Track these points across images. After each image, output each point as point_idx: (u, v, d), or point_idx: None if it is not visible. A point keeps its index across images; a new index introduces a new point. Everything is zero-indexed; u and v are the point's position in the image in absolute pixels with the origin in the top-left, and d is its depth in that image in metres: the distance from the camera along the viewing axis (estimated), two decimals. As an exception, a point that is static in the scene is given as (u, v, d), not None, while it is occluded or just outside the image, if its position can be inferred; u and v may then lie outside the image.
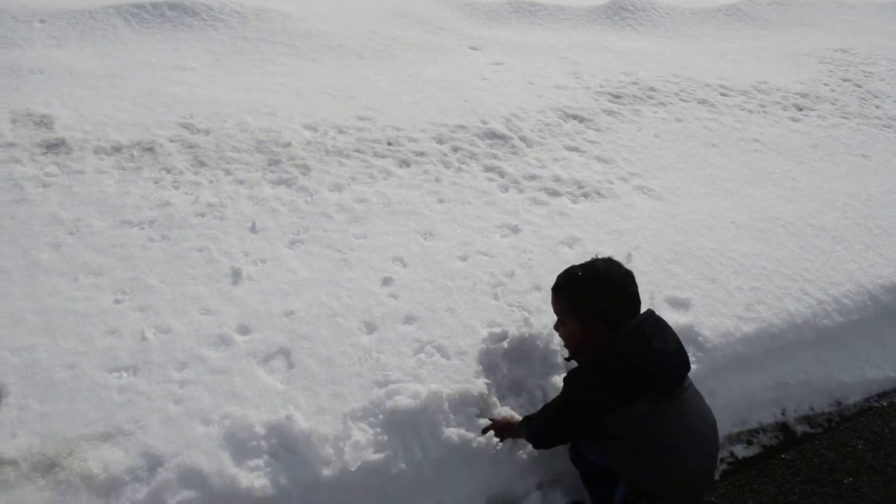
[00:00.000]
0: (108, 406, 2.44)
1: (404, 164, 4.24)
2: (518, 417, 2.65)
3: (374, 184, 3.98)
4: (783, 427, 3.31)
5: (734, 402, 3.22)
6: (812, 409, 3.43)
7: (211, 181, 3.82)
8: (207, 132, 4.31)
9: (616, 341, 2.18)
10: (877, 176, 5.03)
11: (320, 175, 3.98)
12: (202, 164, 3.96)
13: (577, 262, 2.98)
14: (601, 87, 5.93)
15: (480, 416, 2.65)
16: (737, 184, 4.61)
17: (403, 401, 2.54)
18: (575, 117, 5.24)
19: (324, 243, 3.41)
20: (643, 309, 2.33)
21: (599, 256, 2.45)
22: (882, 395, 3.59)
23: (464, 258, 3.44)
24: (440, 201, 3.91)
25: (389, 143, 4.43)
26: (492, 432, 2.57)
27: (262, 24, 6.33)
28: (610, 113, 5.43)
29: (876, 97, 6.65)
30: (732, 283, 3.54)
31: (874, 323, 3.69)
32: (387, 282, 3.18)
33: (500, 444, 2.57)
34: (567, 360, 2.52)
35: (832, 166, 5.09)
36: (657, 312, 2.32)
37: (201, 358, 2.63)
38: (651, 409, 2.14)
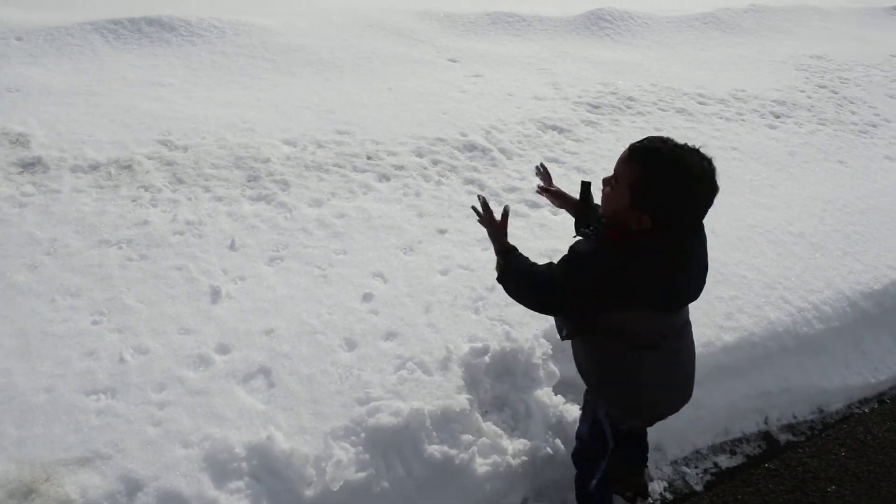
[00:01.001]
0: (86, 430, 2.41)
1: (384, 178, 4.24)
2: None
3: (353, 199, 3.98)
4: (766, 436, 3.33)
5: (717, 412, 3.24)
6: (794, 416, 3.45)
7: (189, 198, 3.80)
8: (186, 149, 4.29)
9: (651, 245, 1.87)
10: (854, 182, 5.09)
11: (299, 190, 3.97)
12: (180, 181, 3.94)
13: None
14: (580, 97, 5.97)
15: (463, 432, 2.65)
16: (714, 192, 4.64)
17: (385, 419, 2.53)
18: (554, 128, 5.27)
19: (303, 260, 3.40)
20: None
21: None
22: (863, 402, 3.62)
23: (444, 272, 3.44)
24: (420, 215, 3.91)
25: (369, 158, 4.43)
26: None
27: (240, 38, 6.32)
28: (589, 123, 5.47)
29: (852, 103, 6.74)
30: (712, 292, 3.56)
31: (854, 329, 3.73)
32: (367, 298, 3.17)
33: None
34: (584, 230, 2.23)
35: (809, 173, 5.15)
36: None
37: (180, 379, 2.61)
38: (645, 319, 1.98)
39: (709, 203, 1.90)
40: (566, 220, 4.04)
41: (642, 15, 8.76)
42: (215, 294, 3.08)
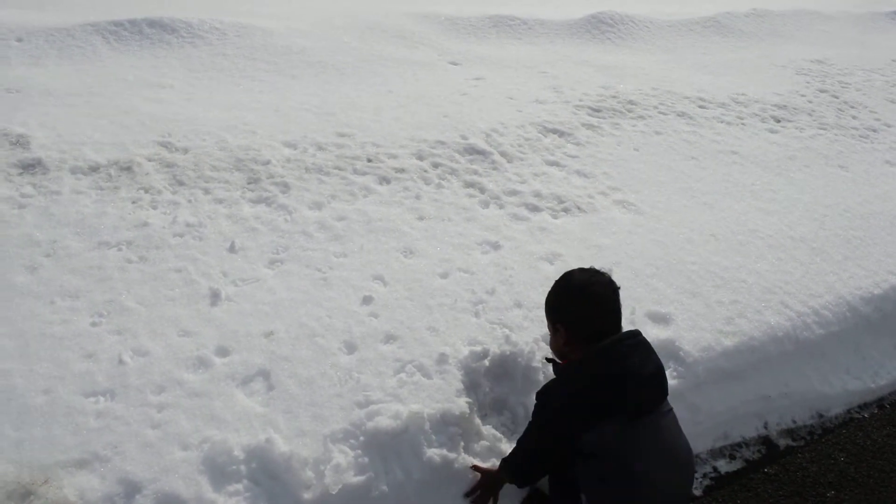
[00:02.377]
0: (85, 432, 2.41)
1: (384, 180, 4.24)
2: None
3: (354, 201, 3.98)
4: (766, 440, 3.32)
5: (716, 416, 3.24)
6: (794, 421, 3.45)
7: (189, 200, 3.80)
8: (186, 151, 4.29)
9: (590, 357, 2.16)
10: (854, 186, 5.09)
11: (300, 193, 3.97)
12: (181, 183, 3.94)
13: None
14: (580, 100, 5.97)
15: (463, 435, 2.64)
16: (716, 196, 4.65)
17: (384, 422, 2.52)
18: (555, 132, 5.27)
19: (303, 262, 3.40)
20: (629, 327, 2.29)
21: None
22: (863, 407, 3.62)
23: (444, 275, 3.44)
24: (420, 218, 3.91)
25: (369, 160, 4.43)
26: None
27: (241, 40, 6.33)
28: (589, 127, 5.47)
29: (852, 108, 6.74)
30: (713, 296, 3.56)
31: (854, 334, 3.72)
32: (367, 301, 3.17)
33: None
34: (547, 360, 2.48)
35: (810, 177, 5.15)
36: (640, 328, 2.31)
37: (179, 381, 2.61)
38: (619, 432, 2.11)
39: (606, 307, 2.21)
40: (566, 224, 4.05)
41: (643, 19, 8.77)
42: (215, 296, 3.08)
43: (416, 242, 3.68)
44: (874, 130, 6.26)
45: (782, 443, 3.32)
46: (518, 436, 2.78)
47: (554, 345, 2.35)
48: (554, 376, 2.36)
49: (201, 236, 3.50)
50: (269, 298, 3.11)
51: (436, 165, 4.49)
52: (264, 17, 6.99)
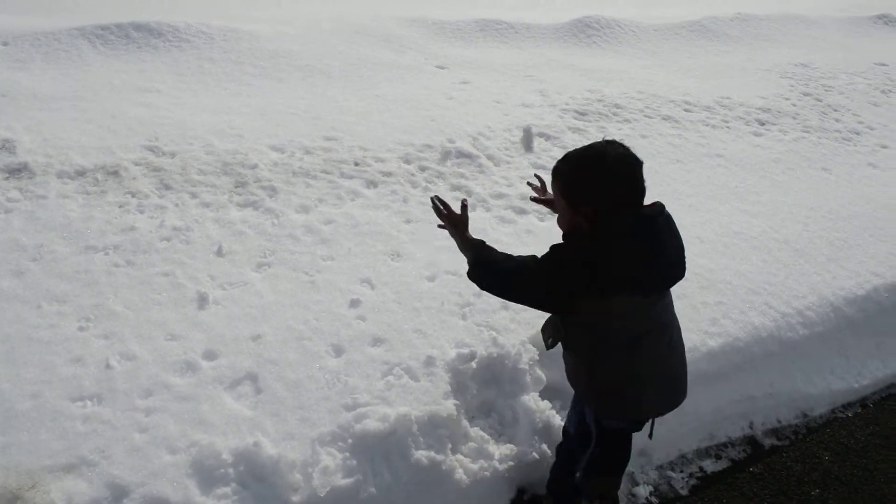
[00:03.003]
0: (72, 436, 2.41)
1: (372, 184, 4.25)
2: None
3: (341, 205, 3.99)
4: (751, 440, 3.36)
5: (702, 417, 3.27)
6: (779, 421, 3.48)
7: (177, 205, 3.80)
8: (173, 155, 4.29)
9: (604, 233, 1.95)
10: (837, 189, 5.15)
11: (287, 197, 3.98)
12: (168, 187, 3.94)
13: None
14: (567, 104, 6.01)
15: (450, 437, 2.66)
16: (701, 199, 4.69)
17: (372, 424, 2.54)
18: (541, 135, 5.30)
19: (291, 266, 3.41)
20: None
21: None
22: (847, 406, 3.66)
23: (431, 278, 3.45)
24: (408, 221, 3.93)
25: (356, 164, 4.45)
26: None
27: (228, 44, 6.33)
28: (576, 130, 5.50)
29: (836, 111, 6.82)
30: (698, 297, 3.60)
31: (837, 335, 3.77)
32: (354, 304, 3.18)
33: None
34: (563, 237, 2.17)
35: (794, 180, 5.20)
36: None
37: (167, 385, 2.61)
38: (629, 308, 2.01)
39: (631, 177, 1.95)
40: (553, 227, 4.06)
41: (629, 23, 8.83)
42: (202, 300, 3.08)
43: (403, 245, 3.70)
44: (857, 133, 6.33)
45: (767, 442, 3.36)
46: (506, 437, 2.81)
47: (567, 223, 2.07)
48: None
49: (188, 240, 3.51)
50: (256, 302, 3.12)
51: (423, 169, 4.51)
52: (252, 21, 7.00)
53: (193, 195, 3.89)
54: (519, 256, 2.16)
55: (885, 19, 11.41)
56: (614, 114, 5.96)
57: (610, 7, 9.77)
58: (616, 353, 2.08)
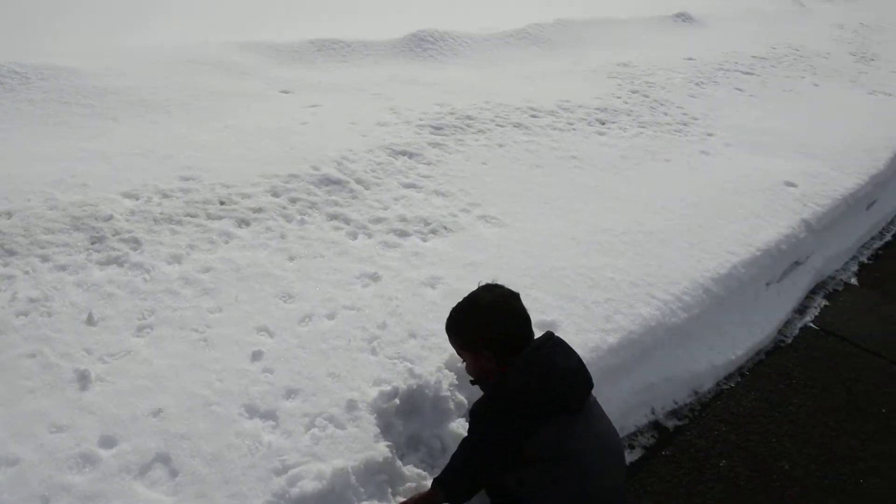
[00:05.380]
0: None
1: (243, 223, 4.00)
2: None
3: (215, 249, 3.71)
4: (656, 425, 3.51)
5: (612, 412, 3.28)
6: (675, 402, 3.68)
7: (27, 272, 3.35)
8: (10, 215, 3.78)
9: (518, 367, 2.19)
10: (681, 178, 5.53)
11: (153, 247, 3.64)
12: (11, 252, 3.47)
13: (443, 302, 3.40)
14: (421, 120, 6.00)
15: (389, 481, 2.54)
16: (567, 201, 4.86)
17: (309, 485, 2.37)
18: (403, 153, 5.26)
19: (176, 324, 3.11)
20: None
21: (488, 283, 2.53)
22: (728, 378, 3.94)
23: (331, 316, 3.29)
24: (291, 258, 3.73)
25: (222, 203, 4.17)
26: None
27: (47, 83, 5.72)
28: (435, 145, 5.51)
29: (662, 105, 7.34)
30: (588, 297, 3.71)
31: (711, 313, 4.03)
32: (257, 356, 2.96)
33: None
34: (472, 383, 2.48)
35: (643, 174, 5.53)
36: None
37: (65, 486, 2.27)
38: (563, 430, 2.16)
39: (510, 315, 2.32)
40: (437, 246, 4.04)
41: (461, 35, 9.02)
42: (83, 379, 2.73)
43: (292, 285, 3.50)
44: (685, 124, 6.86)
45: (670, 424, 3.53)
46: (439, 469, 2.73)
47: (476, 370, 2.40)
48: (483, 394, 2.38)
49: (50, 311, 3.10)
50: (146, 371, 2.81)
51: (294, 200, 4.31)
52: (70, 57, 6.37)
53: (44, 258, 3.45)
54: (460, 452, 2.43)
55: (682, 17, 12.49)
56: (468, 125, 6.03)
57: (435, 17, 9.89)
58: (565, 483, 2.17)
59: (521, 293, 3.64)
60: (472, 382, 2.43)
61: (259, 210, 4.14)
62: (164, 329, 3.06)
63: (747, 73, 9.34)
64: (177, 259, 3.57)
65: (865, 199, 6.04)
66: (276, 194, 4.36)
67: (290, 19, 9.41)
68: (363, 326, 3.23)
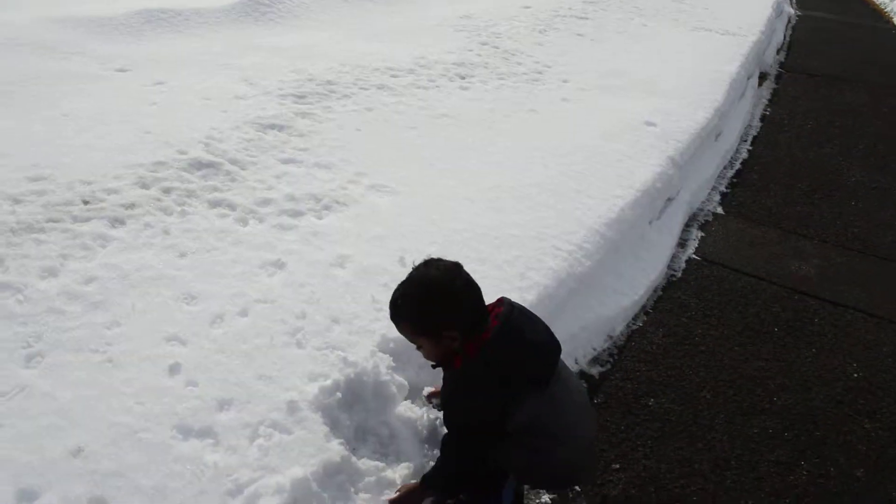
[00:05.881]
0: None
1: (117, 222, 3.60)
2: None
3: (93, 256, 3.31)
4: (582, 374, 3.59)
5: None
6: (594, 349, 3.78)
7: None
8: None
9: (491, 345, 2.10)
10: (550, 126, 5.64)
11: (20, 262, 3.18)
12: None
13: (357, 282, 3.35)
14: (280, 89, 5.67)
15: (349, 481, 2.41)
16: (450, 161, 4.81)
17: (269, 501, 2.19)
18: (272, 126, 4.95)
19: (71, 347, 2.75)
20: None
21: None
22: (635, 317, 4.10)
23: (244, 313, 3.06)
24: (182, 255, 3.41)
25: (86, 202, 3.72)
26: None
27: None
28: (303, 115, 5.24)
29: (514, 55, 7.42)
30: (498, 257, 3.70)
31: (610, 258, 4.18)
32: (174, 369, 2.68)
33: None
34: (434, 367, 2.36)
35: (514, 126, 5.58)
36: None
37: (-9, 557, 1.95)
38: (544, 398, 2.14)
39: (471, 288, 2.17)
40: (334, 223, 3.87)
41: (297, -7, 8.59)
42: (-25, 428, 2.35)
43: (191, 284, 3.20)
44: (539, 73, 6.99)
45: (595, 371, 3.63)
46: (394, 457, 2.64)
47: (437, 354, 2.23)
48: (450, 378, 2.28)
49: None
50: (50, 407, 2.46)
51: (167, 191, 3.93)
52: None
53: None
54: (446, 447, 2.37)
55: (508, -36, 12.63)
56: (331, 91, 5.78)
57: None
58: (547, 452, 2.18)
59: (433, 261, 3.61)
60: (434, 366, 2.33)
61: (131, 206, 3.74)
62: (58, 355, 2.70)
63: (582, 18, 9.64)
64: (51, 272, 3.15)
65: (714, 131, 6.48)
66: (145, 186, 3.95)
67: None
68: (282, 319, 3.03)
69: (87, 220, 3.58)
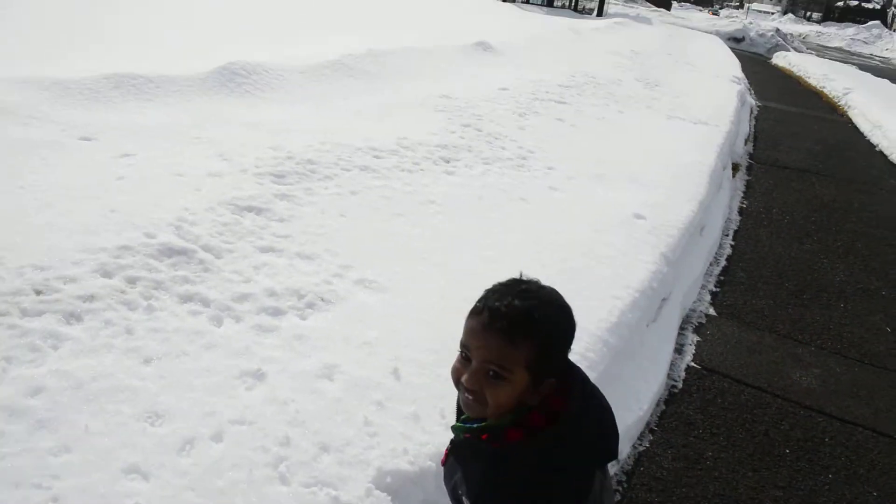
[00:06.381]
0: None
1: (73, 318, 3.17)
2: None
3: (42, 359, 2.87)
4: None
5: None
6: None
7: None
8: None
9: (577, 405, 1.57)
10: (540, 217, 5.42)
11: (-46, 368, 2.73)
12: None
13: (348, 398, 2.88)
14: (258, 167, 5.35)
15: None
16: (442, 254, 4.52)
17: None
18: (250, 209, 4.61)
19: (8, 480, 2.29)
20: None
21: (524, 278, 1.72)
22: (641, 436, 3.80)
23: (218, 438, 2.64)
24: (146, 361, 2.99)
25: (39, 292, 3.29)
26: None
27: None
28: (283, 197, 4.91)
29: (497, 139, 7.28)
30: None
31: (613, 366, 3.91)
32: (134, 513, 2.25)
33: None
34: (467, 433, 1.61)
35: (505, 216, 5.34)
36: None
37: None
38: (602, 481, 1.66)
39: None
40: (319, 324, 3.52)
41: (275, 67, 8.37)
42: None
43: (157, 399, 2.78)
44: (524, 158, 6.83)
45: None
46: None
47: (507, 402, 1.51)
48: (494, 453, 1.55)
49: None
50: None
51: (132, 281, 3.53)
52: None
53: None
54: None
55: (482, 45, 12.77)
56: (312, 171, 5.49)
57: (239, 48, 9.09)
58: None
59: (429, 376, 3.26)
60: (475, 431, 1.58)
61: (90, 298, 3.32)
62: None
63: (560, 103, 9.66)
64: (-10, 381, 2.70)
65: (699, 225, 6.36)
66: (107, 274, 3.54)
67: (74, 49, 8.19)
68: (262, 446, 2.62)
69: (39, 314, 3.14)
